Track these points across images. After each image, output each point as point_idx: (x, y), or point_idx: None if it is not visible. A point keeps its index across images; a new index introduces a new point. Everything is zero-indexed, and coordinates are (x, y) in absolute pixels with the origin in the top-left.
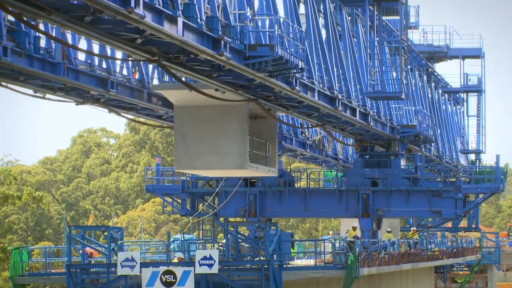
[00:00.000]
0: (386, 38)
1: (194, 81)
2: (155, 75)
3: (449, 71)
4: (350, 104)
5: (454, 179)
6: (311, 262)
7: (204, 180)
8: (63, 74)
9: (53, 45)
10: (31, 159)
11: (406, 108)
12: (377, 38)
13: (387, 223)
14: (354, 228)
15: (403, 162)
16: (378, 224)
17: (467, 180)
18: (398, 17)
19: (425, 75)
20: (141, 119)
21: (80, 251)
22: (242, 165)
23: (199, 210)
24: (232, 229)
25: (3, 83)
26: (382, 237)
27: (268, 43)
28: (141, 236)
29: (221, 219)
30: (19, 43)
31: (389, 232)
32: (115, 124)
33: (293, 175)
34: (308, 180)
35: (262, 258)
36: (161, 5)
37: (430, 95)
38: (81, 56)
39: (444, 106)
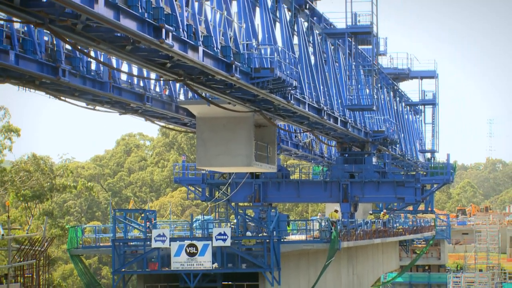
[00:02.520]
0: (361, 62)
1: (212, 97)
2: (181, 92)
3: (410, 88)
4: (333, 114)
5: (414, 173)
6: (302, 237)
7: (219, 173)
8: (109, 90)
9: (101, 68)
10: (84, 156)
11: (377, 117)
12: (354, 63)
13: (361, 207)
14: (336, 211)
15: (374, 159)
16: (355, 208)
17: (424, 173)
18: (370, 46)
19: (391, 92)
20: (170, 126)
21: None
22: (249, 164)
23: (216, 197)
24: (241, 211)
25: (62, 98)
26: (361, 217)
27: (269, 66)
28: (170, 217)
29: (233, 203)
30: (74, 66)
31: (371, 214)
32: (150, 129)
33: (289, 169)
34: (300, 174)
35: (264, 234)
36: (186, 37)
37: (395, 107)
38: (123, 77)
39: (406, 116)
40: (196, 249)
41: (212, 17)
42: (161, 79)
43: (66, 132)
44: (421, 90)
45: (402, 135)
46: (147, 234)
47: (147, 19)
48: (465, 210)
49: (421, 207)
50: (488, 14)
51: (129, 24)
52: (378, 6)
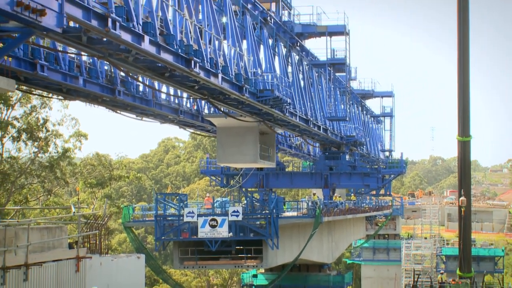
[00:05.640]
0: (337, 85)
1: (228, 111)
2: (206, 107)
3: (373, 105)
4: (317, 123)
5: (376, 166)
6: (295, 213)
7: (233, 167)
8: (152, 106)
9: (147, 89)
10: (134, 154)
11: (349, 126)
12: (332, 86)
13: (338, 192)
14: (314, 194)
15: (347, 157)
16: (333, 192)
17: (384, 166)
18: (344, 74)
19: (360, 107)
20: (198, 132)
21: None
22: (255, 161)
23: (231, 184)
24: (249, 195)
25: (118, 111)
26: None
27: (270, 88)
28: (198, 199)
29: (244, 189)
30: (127, 88)
31: (339, 197)
32: (183, 134)
33: (284, 164)
34: (293, 167)
35: (266, 211)
36: (209, 66)
37: (362, 118)
38: (163, 96)
39: (370, 125)
40: (217, 222)
41: (228, 52)
42: (191, 97)
43: (121, 136)
44: (382, 106)
45: (368, 138)
46: (181, 211)
47: (180, 54)
48: (414, 194)
49: (382, 191)
50: (431, 45)
51: (167, 57)
52: (350, 44)
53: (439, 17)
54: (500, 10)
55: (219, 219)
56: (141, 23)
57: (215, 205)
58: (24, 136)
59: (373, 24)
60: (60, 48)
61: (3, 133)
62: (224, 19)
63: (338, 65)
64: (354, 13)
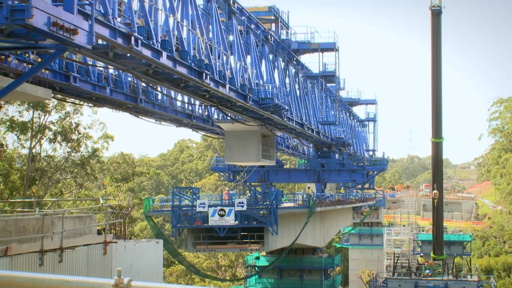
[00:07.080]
0: (328, 94)
1: (234, 117)
2: (215, 113)
3: (359, 111)
4: (310, 127)
5: (362, 164)
6: (291, 204)
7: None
8: (169, 112)
9: (165, 97)
10: (154, 153)
11: (338, 129)
12: (324, 95)
13: (329, 186)
14: (309, 188)
15: (336, 156)
16: (325, 186)
17: (368, 164)
18: (334, 84)
19: (347, 113)
20: (208, 134)
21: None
22: (258, 160)
23: (237, 179)
24: (253, 188)
25: (139, 117)
26: (328, 192)
27: (270, 97)
28: (208, 192)
29: (248, 183)
30: (147, 96)
31: (330, 190)
32: (195, 136)
33: (283, 162)
34: (290, 164)
35: (267, 202)
36: (218, 78)
37: (350, 122)
38: (178, 103)
39: (357, 128)
40: (224, 212)
41: (234, 65)
42: (202, 104)
43: (142, 138)
44: (366, 112)
45: (354, 140)
46: (194, 202)
47: (193, 67)
48: (394, 188)
49: (366, 185)
50: (409, 58)
51: (182, 70)
52: (339, 58)
53: (417, 35)
54: (470, 22)
55: (226, 209)
56: (159, 41)
57: (222, 197)
58: (59, 138)
59: (360, 40)
60: (90, 62)
61: (41, 135)
62: (231, 37)
63: (329, 77)
64: (343, 31)
